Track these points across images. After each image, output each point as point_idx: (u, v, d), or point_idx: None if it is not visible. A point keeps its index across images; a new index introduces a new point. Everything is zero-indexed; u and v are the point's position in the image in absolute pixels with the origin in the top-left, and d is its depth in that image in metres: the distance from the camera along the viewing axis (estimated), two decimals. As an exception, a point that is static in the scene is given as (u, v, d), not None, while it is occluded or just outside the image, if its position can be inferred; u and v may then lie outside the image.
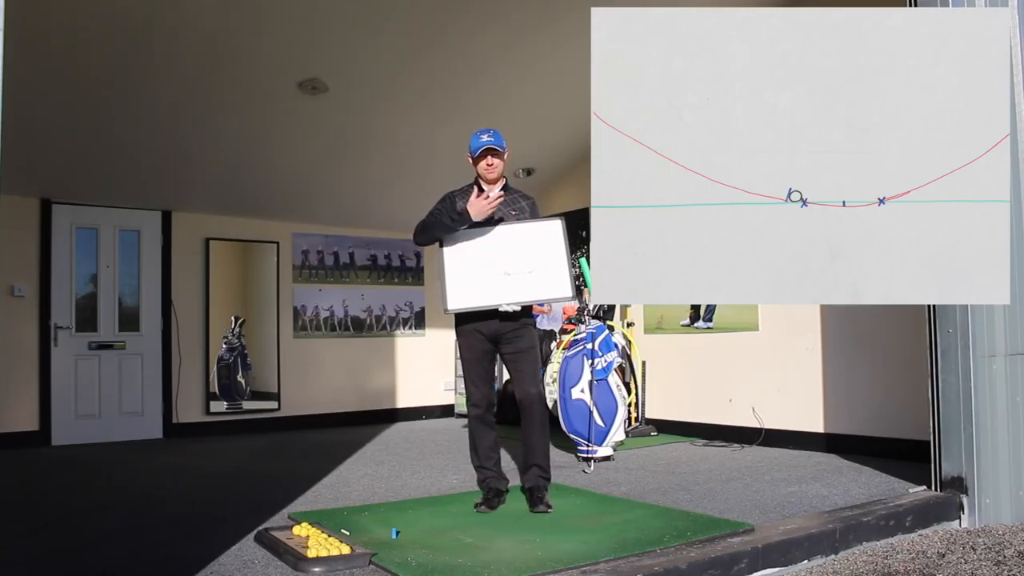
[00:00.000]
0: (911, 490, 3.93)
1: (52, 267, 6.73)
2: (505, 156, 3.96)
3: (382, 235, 8.50)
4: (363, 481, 4.74)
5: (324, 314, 8.04)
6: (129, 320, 7.10)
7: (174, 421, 7.14)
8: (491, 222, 3.90)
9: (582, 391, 5.20)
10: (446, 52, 5.56)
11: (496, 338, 3.92)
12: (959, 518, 3.70)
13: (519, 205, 4.01)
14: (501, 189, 3.96)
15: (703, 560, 2.77)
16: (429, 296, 8.77)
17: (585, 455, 5.12)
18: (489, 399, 3.98)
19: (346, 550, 2.91)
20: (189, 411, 7.24)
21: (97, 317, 6.96)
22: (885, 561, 3.09)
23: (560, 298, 3.89)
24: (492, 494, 3.88)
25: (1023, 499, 3.72)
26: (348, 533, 3.22)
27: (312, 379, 7.93)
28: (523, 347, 3.88)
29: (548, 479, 3.93)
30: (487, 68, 5.86)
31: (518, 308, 3.86)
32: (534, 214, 4.01)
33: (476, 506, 3.82)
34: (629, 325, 6.91)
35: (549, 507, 3.76)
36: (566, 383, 5.27)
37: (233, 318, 7.39)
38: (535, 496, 3.82)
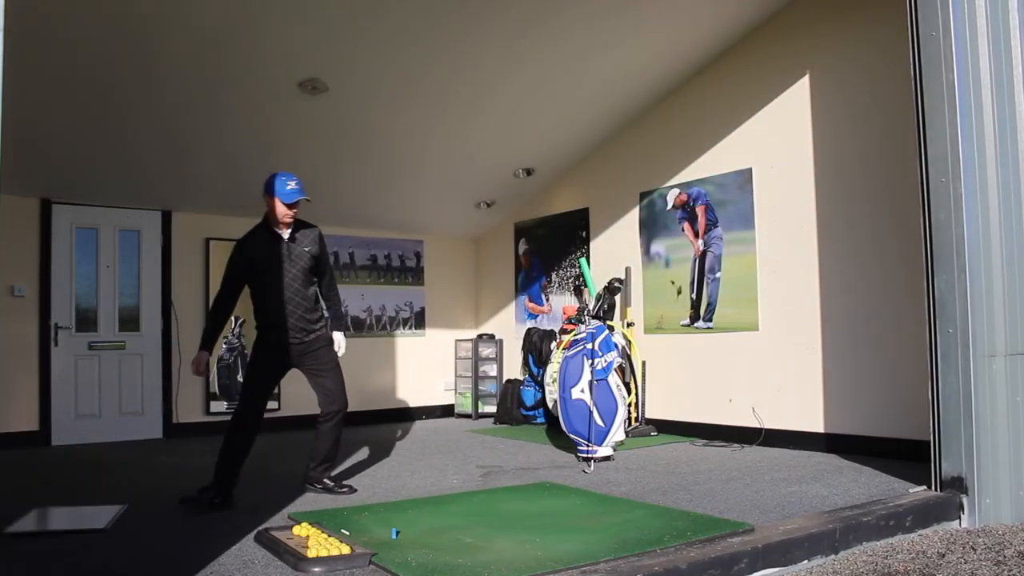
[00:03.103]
0: (911, 490, 3.93)
1: (52, 267, 6.73)
2: None
3: (382, 235, 8.50)
4: (363, 481, 4.74)
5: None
6: (129, 320, 7.10)
7: (174, 421, 7.14)
8: (291, 258, 4.16)
9: (582, 391, 5.20)
10: (447, 52, 5.55)
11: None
12: (959, 518, 3.70)
13: (311, 236, 4.29)
14: (292, 227, 4.19)
15: (703, 560, 2.78)
16: (429, 296, 8.77)
17: (585, 455, 5.13)
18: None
19: (346, 550, 2.91)
20: (189, 411, 7.24)
21: (97, 317, 6.96)
22: (885, 561, 3.09)
23: None
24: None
25: (1023, 499, 3.72)
26: (348, 533, 3.22)
27: (312, 379, 7.91)
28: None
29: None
30: (488, 68, 5.85)
31: None
32: (321, 244, 4.32)
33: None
34: (629, 325, 6.91)
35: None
36: (566, 383, 5.27)
37: (233, 318, 7.38)
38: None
